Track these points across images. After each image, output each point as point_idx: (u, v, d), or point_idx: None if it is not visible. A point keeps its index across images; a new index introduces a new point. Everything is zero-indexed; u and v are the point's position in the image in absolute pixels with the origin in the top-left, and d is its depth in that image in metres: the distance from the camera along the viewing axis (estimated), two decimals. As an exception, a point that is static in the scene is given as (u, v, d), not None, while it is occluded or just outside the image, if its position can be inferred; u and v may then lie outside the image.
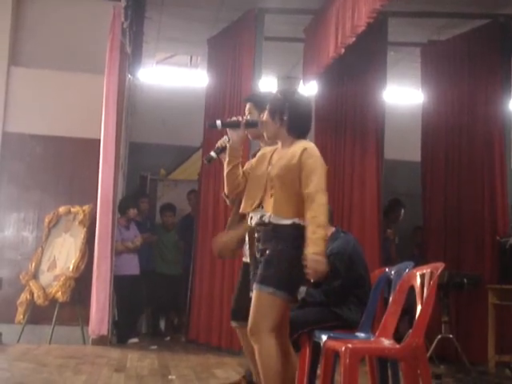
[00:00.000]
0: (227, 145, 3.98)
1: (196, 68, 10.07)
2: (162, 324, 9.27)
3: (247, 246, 4.02)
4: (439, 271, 3.62)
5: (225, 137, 4.05)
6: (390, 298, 4.12)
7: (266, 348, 3.49)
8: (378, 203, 7.55)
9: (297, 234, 3.56)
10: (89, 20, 8.07)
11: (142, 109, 9.85)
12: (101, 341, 7.37)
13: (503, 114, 7.57)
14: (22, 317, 7.62)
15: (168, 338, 8.65)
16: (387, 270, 4.59)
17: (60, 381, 5.15)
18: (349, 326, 4.60)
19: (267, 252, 3.60)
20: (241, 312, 4.07)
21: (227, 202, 4.52)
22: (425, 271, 3.79)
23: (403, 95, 9.53)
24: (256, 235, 3.70)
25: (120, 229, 8.12)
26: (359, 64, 7.70)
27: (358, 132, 7.72)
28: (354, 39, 6.37)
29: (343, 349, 3.52)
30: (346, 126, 7.84)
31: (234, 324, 4.32)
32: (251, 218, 3.73)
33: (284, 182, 3.61)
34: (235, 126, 3.77)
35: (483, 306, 6.88)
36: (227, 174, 3.79)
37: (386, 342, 3.80)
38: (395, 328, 3.93)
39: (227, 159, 3.78)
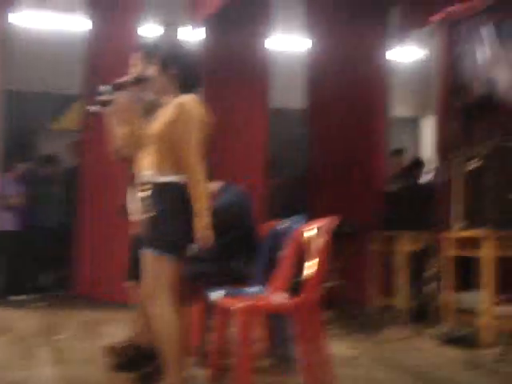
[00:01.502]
0: (108, 97, 3.80)
1: (71, 12, 9.59)
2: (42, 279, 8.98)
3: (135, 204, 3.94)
4: (332, 226, 3.65)
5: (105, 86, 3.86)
6: (282, 252, 4.13)
7: (162, 313, 3.44)
8: (263, 153, 7.55)
9: (176, 193, 3.48)
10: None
11: (19, 55, 9.31)
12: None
13: (385, 62, 7.72)
14: None
15: (54, 294, 8.41)
16: (277, 224, 4.61)
17: None
18: (240, 280, 4.58)
19: (150, 213, 3.52)
20: (135, 271, 3.97)
21: (115, 156, 4.38)
22: (317, 225, 3.81)
23: (289, 42, 9.47)
24: (140, 195, 3.61)
25: (10, 184, 7.80)
26: (244, 9, 7.56)
27: (242, 79, 7.60)
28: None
29: (236, 308, 3.50)
30: (232, 74, 7.72)
31: (130, 283, 4.22)
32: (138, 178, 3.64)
33: (162, 140, 3.51)
34: (126, 86, 3.59)
35: (369, 253, 7.08)
36: (123, 139, 3.66)
37: (279, 298, 3.81)
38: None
39: (120, 122, 3.62)
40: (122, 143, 3.72)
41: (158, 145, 3.52)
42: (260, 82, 7.57)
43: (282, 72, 8.44)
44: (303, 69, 8.23)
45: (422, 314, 6.20)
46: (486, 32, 6.83)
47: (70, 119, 9.65)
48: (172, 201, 3.48)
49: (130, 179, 4.27)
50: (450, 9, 6.86)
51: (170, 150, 3.50)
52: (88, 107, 4.05)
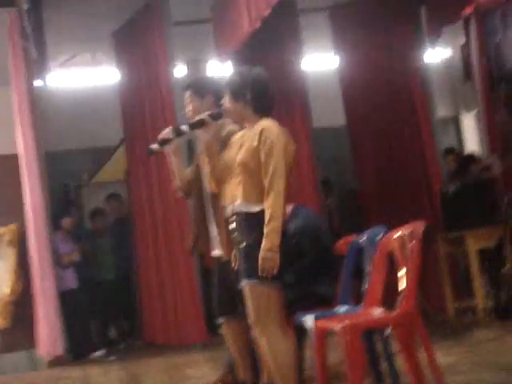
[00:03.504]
0: (170, 136, 3.97)
1: (99, 65, 9.69)
2: (112, 332, 8.95)
3: (218, 239, 3.90)
4: (421, 230, 3.55)
5: (168, 128, 4.02)
6: (369, 267, 4.03)
7: (273, 339, 3.42)
8: (313, 173, 7.48)
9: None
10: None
11: (52, 115, 9.40)
12: (57, 362, 7.06)
13: (420, 65, 7.63)
14: (-38, 351, 7.21)
15: (122, 346, 8.36)
16: (355, 238, 4.52)
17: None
18: (325, 302, 4.48)
19: (243, 243, 3.50)
20: (225, 307, 4.06)
21: (180, 194, 4.40)
22: (403, 233, 3.72)
23: (321, 61, 9.43)
24: (230, 226, 3.58)
25: (60, 243, 7.78)
26: (272, 36, 7.54)
27: (283, 105, 7.58)
28: (269, 11, 6.22)
29: (341, 327, 3.41)
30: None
31: (220, 320, 4.19)
32: (226, 209, 3.60)
33: (248, 168, 3.50)
34: (201, 124, 3.63)
35: (434, 255, 6.92)
36: (210, 173, 3.68)
37: (379, 312, 3.71)
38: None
39: (205, 159, 3.65)
40: (209, 177, 3.69)
41: (244, 174, 3.50)
42: (300, 103, 7.51)
43: (321, 91, 8.40)
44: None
45: (507, 310, 6.02)
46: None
47: (111, 171, 9.69)
48: (263, 228, 3.44)
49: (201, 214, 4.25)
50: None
51: (257, 178, 3.48)
52: (147, 150, 4.09)
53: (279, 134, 3.52)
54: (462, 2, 6.82)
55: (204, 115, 3.66)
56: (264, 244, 3.40)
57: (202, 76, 8.20)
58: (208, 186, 3.80)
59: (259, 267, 3.41)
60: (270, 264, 3.41)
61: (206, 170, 3.70)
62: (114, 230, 8.89)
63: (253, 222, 3.47)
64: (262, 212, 3.46)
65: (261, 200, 3.47)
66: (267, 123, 3.55)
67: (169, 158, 4.22)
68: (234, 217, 3.54)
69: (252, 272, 3.43)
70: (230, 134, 3.82)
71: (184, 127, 3.69)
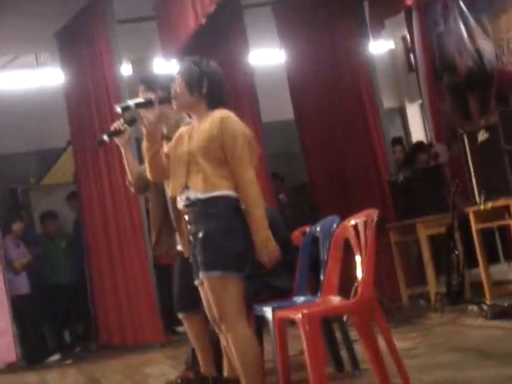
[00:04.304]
0: (121, 128, 4.08)
1: (44, 66, 9.54)
2: (67, 336, 8.84)
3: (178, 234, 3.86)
4: (375, 218, 3.60)
5: (119, 120, 4.10)
6: (325, 256, 4.08)
7: (241, 335, 3.33)
8: (264, 167, 7.49)
9: (228, 206, 3.36)
10: None
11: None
12: (10, 368, 6.95)
13: (365, 58, 7.72)
14: None
15: (78, 349, 8.26)
16: (310, 228, 4.57)
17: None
18: (281, 295, 4.51)
19: (200, 234, 3.36)
20: (185, 302, 4.06)
21: (132, 190, 4.39)
22: (358, 221, 3.77)
23: (267, 56, 9.42)
24: (186, 218, 3.48)
25: (10, 247, 7.64)
26: (218, 32, 7.56)
27: (232, 101, 7.57)
28: (214, 7, 6.23)
29: (300, 316, 3.43)
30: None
31: (180, 315, 4.18)
32: (178, 202, 3.51)
33: (208, 155, 3.39)
34: (148, 105, 3.49)
35: (386, 245, 7.02)
36: (150, 160, 3.51)
37: (337, 300, 3.75)
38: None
39: (146, 145, 3.50)
40: (149, 168, 3.61)
41: (202, 161, 3.39)
42: (248, 98, 7.54)
43: (269, 85, 8.43)
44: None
45: (458, 295, 6.13)
46: (462, 8, 6.89)
47: (59, 173, 9.56)
48: (227, 214, 3.34)
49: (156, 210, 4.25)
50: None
51: (216, 166, 3.38)
52: (96, 141, 4.15)
53: (239, 123, 3.47)
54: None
55: (152, 96, 3.56)
56: (257, 235, 3.34)
57: (153, 71, 8.22)
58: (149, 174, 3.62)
59: (267, 262, 3.38)
60: (274, 251, 3.38)
61: (145, 157, 3.54)
62: (66, 233, 8.84)
63: (210, 210, 3.35)
64: (224, 197, 3.35)
65: (220, 187, 3.35)
66: (225, 112, 3.47)
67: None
68: (189, 207, 3.42)
69: (213, 264, 3.30)
70: (178, 126, 3.77)
71: (130, 102, 3.54)
